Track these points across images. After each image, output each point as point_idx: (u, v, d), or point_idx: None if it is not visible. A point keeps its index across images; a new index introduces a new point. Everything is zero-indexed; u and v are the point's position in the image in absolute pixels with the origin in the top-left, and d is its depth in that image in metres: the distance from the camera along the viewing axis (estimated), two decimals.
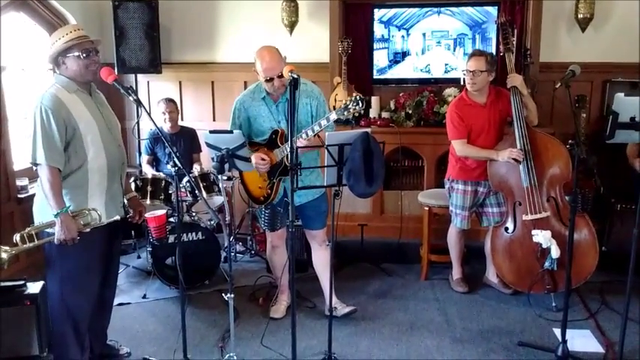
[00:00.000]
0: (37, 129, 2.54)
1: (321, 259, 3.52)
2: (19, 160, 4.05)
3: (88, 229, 2.64)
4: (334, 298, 3.45)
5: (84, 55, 2.64)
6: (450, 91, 4.76)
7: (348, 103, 2.92)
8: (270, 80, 3.09)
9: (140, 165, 4.70)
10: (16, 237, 2.52)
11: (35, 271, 3.58)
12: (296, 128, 2.71)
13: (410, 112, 4.75)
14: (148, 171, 4.36)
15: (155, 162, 4.58)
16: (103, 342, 3.10)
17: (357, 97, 2.91)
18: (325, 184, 2.77)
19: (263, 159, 3.13)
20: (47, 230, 2.61)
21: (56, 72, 2.72)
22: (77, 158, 2.64)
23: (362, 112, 3.13)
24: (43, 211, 2.63)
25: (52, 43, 2.66)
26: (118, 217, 2.81)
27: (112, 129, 2.82)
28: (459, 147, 3.73)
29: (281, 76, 3.05)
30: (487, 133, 3.70)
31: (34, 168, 2.62)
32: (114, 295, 3.15)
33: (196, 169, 4.42)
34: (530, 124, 3.66)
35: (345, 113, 2.95)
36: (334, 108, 4.59)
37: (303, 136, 3.00)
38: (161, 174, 4.14)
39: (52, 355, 2.88)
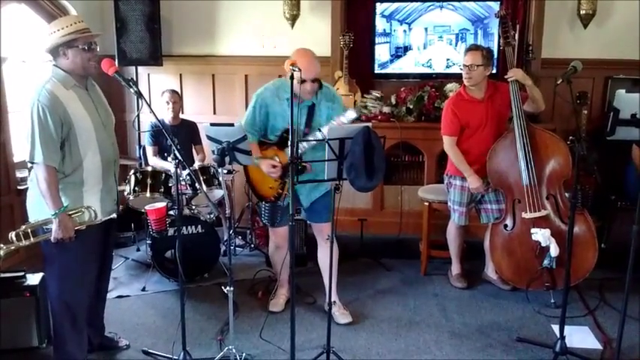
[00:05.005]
0: (35, 127, 2.50)
1: (328, 256, 3.48)
2: (19, 152, 4.05)
3: (83, 227, 2.62)
4: (335, 296, 3.45)
5: (86, 48, 2.62)
6: (451, 86, 4.75)
7: (367, 102, 2.96)
8: (304, 82, 3.04)
9: (140, 158, 4.68)
10: (12, 235, 2.48)
11: (35, 262, 3.59)
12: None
13: (411, 107, 4.74)
14: (156, 163, 4.30)
15: (161, 151, 4.53)
16: (101, 334, 3.11)
17: (378, 95, 2.94)
18: (326, 178, 2.76)
19: (274, 166, 3.13)
20: (44, 227, 2.58)
21: (53, 63, 2.66)
22: (72, 157, 2.61)
23: (381, 109, 3.15)
24: (39, 208, 2.60)
25: (51, 32, 2.60)
26: (114, 216, 2.81)
27: (107, 125, 2.79)
28: (447, 143, 3.77)
29: (314, 81, 3.07)
30: (484, 129, 3.69)
31: (29, 165, 2.59)
32: (108, 285, 3.18)
33: (197, 159, 4.46)
34: (539, 109, 3.67)
35: (364, 111, 2.97)
36: None
37: (318, 134, 3.01)
38: (165, 165, 4.11)
39: (52, 347, 2.89)
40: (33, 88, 2.58)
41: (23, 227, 2.53)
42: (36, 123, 2.50)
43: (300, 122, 3.18)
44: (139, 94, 2.63)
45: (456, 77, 4.75)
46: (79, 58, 2.62)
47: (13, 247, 2.48)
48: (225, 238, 4.20)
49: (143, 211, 3.57)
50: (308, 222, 3.54)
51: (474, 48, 3.67)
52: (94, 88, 2.82)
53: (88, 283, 2.82)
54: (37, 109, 2.50)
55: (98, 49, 2.71)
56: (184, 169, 3.49)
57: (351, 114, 3.00)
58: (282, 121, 3.22)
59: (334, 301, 3.41)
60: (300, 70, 2.62)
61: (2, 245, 2.47)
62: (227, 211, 3.20)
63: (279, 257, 3.54)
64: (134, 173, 3.84)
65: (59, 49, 2.61)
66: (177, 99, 4.50)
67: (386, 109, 4.83)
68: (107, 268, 3.09)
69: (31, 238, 2.54)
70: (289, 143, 3.09)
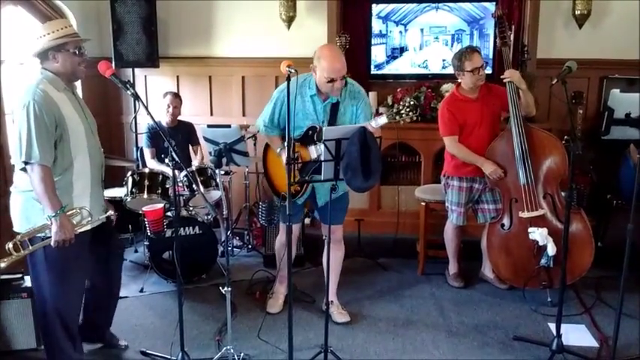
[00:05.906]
0: (31, 126, 2.45)
1: (335, 257, 3.40)
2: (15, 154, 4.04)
3: (81, 229, 2.60)
4: (333, 296, 3.46)
5: (77, 52, 2.61)
6: (447, 87, 4.76)
7: (401, 109, 2.93)
8: (332, 81, 3.01)
9: (138, 160, 4.68)
10: (9, 245, 2.43)
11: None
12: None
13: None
14: (154, 166, 4.29)
15: (159, 153, 4.53)
16: (108, 324, 3.12)
17: (413, 102, 2.92)
18: (322, 179, 2.76)
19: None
20: (37, 235, 2.54)
21: (41, 66, 2.63)
22: (63, 160, 2.58)
23: (416, 118, 3.11)
24: (27, 215, 2.57)
25: (40, 35, 2.58)
26: (111, 212, 2.80)
27: (94, 131, 2.78)
28: (449, 144, 3.75)
29: (342, 78, 3.03)
30: (480, 128, 3.70)
31: (20, 167, 2.54)
32: (119, 289, 3.14)
33: (196, 159, 4.48)
34: (530, 115, 3.67)
35: (397, 118, 2.95)
36: None
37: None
38: (162, 168, 4.11)
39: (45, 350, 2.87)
40: (24, 89, 2.54)
41: (19, 237, 2.47)
42: (32, 122, 2.45)
43: (324, 120, 3.16)
44: (136, 97, 2.63)
45: (452, 78, 4.76)
46: (69, 62, 2.61)
47: (13, 258, 2.43)
48: (222, 239, 4.21)
49: (141, 212, 3.57)
50: (318, 221, 3.50)
51: (476, 49, 3.67)
52: (77, 93, 2.80)
53: (78, 289, 2.78)
54: (33, 108, 2.46)
55: (87, 54, 2.71)
56: (182, 170, 3.49)
57: (382, 120, 2.97)
58: (303, 118, 3.17)
59: (331, 301, 3.42)
60: (296, 71, 2.61)
61: (5, 259, 2.41)
62: (224, 212, 3.20)
63: (283, 253, 3.53)
64: (131, 175, 3.84)
65: (49, 53, 2.59)
66: (177, 104, 4.48)
67: (382, 110, 4.85)
68: (115, 272, 3.06)
69: (30, 246, 2.49)
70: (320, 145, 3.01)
